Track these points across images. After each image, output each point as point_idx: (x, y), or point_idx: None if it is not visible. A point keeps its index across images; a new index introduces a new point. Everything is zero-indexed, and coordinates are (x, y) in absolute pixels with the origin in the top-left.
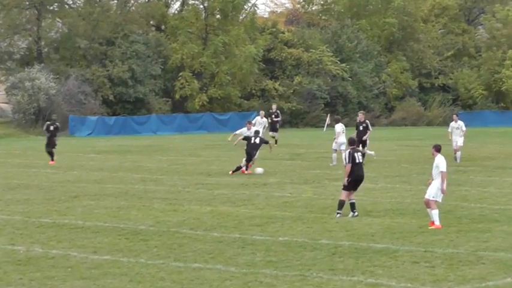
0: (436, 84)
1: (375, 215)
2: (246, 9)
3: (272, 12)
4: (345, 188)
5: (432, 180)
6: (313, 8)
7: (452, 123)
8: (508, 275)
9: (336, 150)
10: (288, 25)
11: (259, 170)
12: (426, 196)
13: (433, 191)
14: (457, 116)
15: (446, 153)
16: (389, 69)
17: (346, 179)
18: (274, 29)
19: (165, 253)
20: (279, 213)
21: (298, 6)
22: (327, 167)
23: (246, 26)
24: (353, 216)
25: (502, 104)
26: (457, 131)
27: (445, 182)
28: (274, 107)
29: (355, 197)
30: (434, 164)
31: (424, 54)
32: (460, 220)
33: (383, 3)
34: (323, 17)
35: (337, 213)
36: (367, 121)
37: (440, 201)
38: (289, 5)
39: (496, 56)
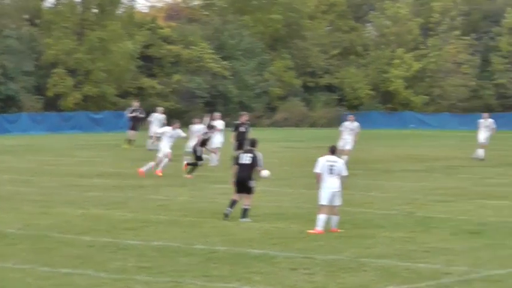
0: (321, 84)
1: (253, 219)
2: (124, 4)
3: (152, 7)
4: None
5: None
6: (195, 3)
7: (347, 123)
8: (390, 283)
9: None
10: (167, 20)
11: (266, 173)
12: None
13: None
14: (353, 116)
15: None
16: (272, 68)
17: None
18: (153, 25)
19: (33, 257)
20: (153, 216)
21: (179, 0)
22: (206, 169)
23: (123, 21)
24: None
25: (390, 105)
26: (351, 132)
27: (319, 183)
28: (136, 104)
29: (248, 202)
30: None
31: (310, 53)
32: (342, 225)
33: None
34: (205, 12)
35: (226, 209)
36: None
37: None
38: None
39: (384, 55)
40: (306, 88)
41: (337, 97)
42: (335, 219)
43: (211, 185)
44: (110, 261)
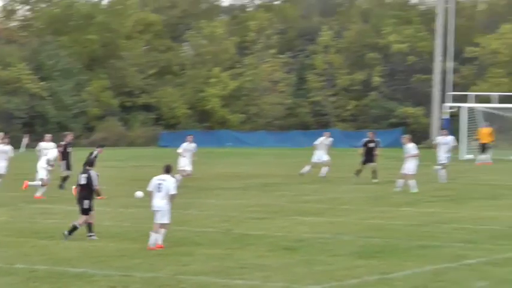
0: (139, 103)
1: (73, 238)
2: None
3: None
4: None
5: None
6: (12, 24)
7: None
8: None
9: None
10: None
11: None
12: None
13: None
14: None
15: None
16: (90, 88)
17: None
18: None
19: None
20: None
21: None
22: (26, 190)
23: None
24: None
25: (207, 124)
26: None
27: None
28: None
29: (82, 221)
30: None
31: (127, 72)
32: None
33: (85, 19)
34: (22, 34)
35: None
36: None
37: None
38: None
39: (200, 74)
40: (124, 108)
41: (154, 116)
42: (160, 236)
43: (30, 205)
44: None
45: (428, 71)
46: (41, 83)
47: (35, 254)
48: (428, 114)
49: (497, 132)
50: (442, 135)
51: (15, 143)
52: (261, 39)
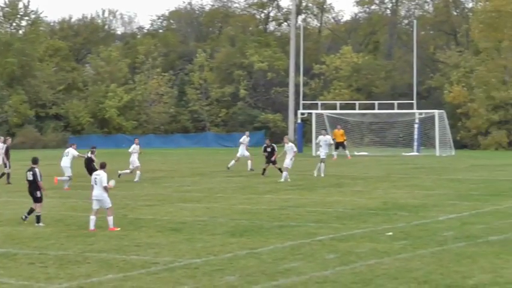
0: (51, 113)
1: (1, 225)
2: None
3: None
4: None
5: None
6: None
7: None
8: (109, 272)
9: None
10: None
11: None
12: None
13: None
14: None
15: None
16: (10, 101)
17: None
18: None
19: None
20: None
21: None
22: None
23: None
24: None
25: (106, 129)
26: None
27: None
28: None
29: (39, 210)
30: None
31: (40, 88)
32: (69, 227)
33: (5, 45)
34: None
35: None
36: None
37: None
38: None
39: (100, 89)
40: (38, 117)
41: (63, 124)
42: (110, 219)
43: None
44: None
45: (284, 84)
46: None
47: None
48: (285, 119)
49: (337, 126)
50: (322, 134)
51: None
52: (148, 60)
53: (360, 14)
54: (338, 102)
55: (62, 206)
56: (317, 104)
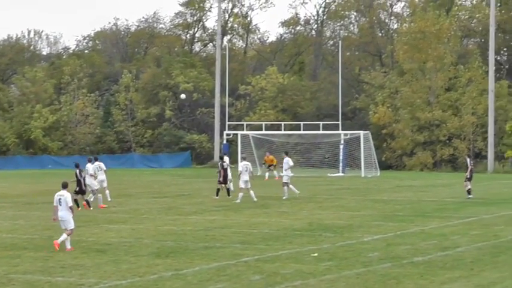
0: None
1: None
2: None
3: None
4: None
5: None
6: None
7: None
8: None
9: None
10: None
11: None
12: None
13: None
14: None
15: None
16: None
17: None
18: None
19: None
20: None
21: None
22: None
23: None
24: None
25: (32, 150)
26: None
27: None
28: None
29: None
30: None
31: None
32: None
33: None
34: None
35: None
36: None
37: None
38: None
39: (26, 110)
40: None
41: None
42: (68, 239)
43: None
44: None
45: (210, 105)
46: None
47: None
48: (211, 140)
49: (267, 153)
50: (284, 157)
51: None
52: (74, 81)
53: (285, 35)
54: (264, 123)
55: None
56: (243, 124)
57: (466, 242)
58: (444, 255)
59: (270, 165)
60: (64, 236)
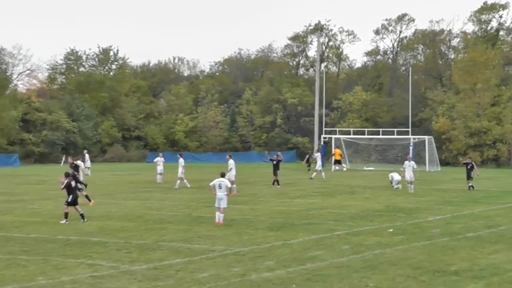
0: (134, 135)
1: (93, 219)
2: (10, 87)
3: (28, 88)
4: (68, 203)
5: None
6: (55, 87)
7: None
8: (177, 257)
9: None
10: (38, 97)
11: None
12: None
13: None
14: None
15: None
16: (103, 126)
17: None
18: (29, 100)
19: None
20: (30, 219)
21: (45, 85)
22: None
23: (10, 98)
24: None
25: (175, 148)
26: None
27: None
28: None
29: (80, 209)
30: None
31: (126, 116)
32: (147, 222)
33: (99, 83)
34: (61, 92)
35: (66, 221)
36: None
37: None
38: (39, 84)
39: (171, 118)
40: (124, 138)
41: (143, 143)
42: (222, 216)
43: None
44: (3, 247)
45: (311, 115)
46: (73, 123)
47: (69, 229)
48: (311, 142)
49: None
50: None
51: (57, 160)
52: (207, 96)
53: (368, 62)
54: (351, 129)
55: (141, 206)
56: (336, 130)
57: (507, 222)
58: (490, 232)
59: (336, 160)
60: (221, 215)
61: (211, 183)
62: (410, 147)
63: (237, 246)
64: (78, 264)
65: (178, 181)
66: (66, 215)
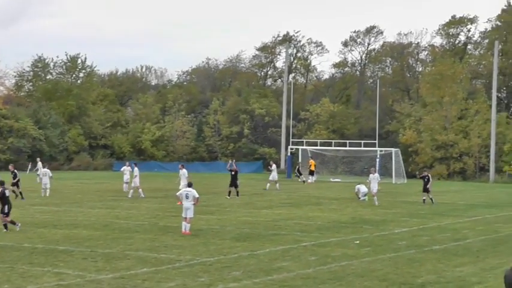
0: (100, 144)
1: (59, 227)
2: None
3: None
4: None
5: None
6: (22, 94)
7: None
8: (144, 267)
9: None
10: (4, 104)
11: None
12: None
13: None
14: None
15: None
16: (70, 134)
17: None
18: None
19: None
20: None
21: (11, 92)
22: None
23: None
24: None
25: (142, 157)
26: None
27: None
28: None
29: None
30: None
31: (93, 125)
32: (113, 231)
33: (66, 91)
34: (28, 100)
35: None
36: None
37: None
38: (5, 91)
39: (138, 127)
40: (91, 146)
41: (109, 152)
42: (188, 226)
43: (33, 206)
44: None
45: (278, 126)
46: (39, 131)
47: (35, 237)
48: (278, 152)
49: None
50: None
51: (23, 168)
52: (175, 105)
53: (336, 74)
54: (318, 141)
55: (108, 214)
56: (303, 141)
57: (473, 235)
58: (456, 245)
59: (311, 171)
60: (187, 225)
61: (178, 193)
62: (377, 159)
63: (203, 256)
64: (44, 273)
65: (132, 190)
66: (5, 226)
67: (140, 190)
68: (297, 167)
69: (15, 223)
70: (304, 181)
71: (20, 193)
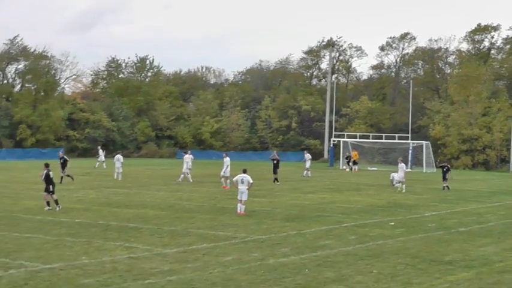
0: (166, 135)
1: (130, 207)
2: (58, 90)
3: (73, 92)
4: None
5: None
6: (97, 90)
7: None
8: (204, 242)
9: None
10: (82, 99)
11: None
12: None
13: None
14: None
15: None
16: (139, 126)
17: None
18: (74, 101)
19: (6, 228)
20: (75, 206)
21: (88, 89)
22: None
23: (58, 99)
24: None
25: (202, 146)
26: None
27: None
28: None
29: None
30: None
31: (159, 118)
32: (177, 211)
33: (136, 88)
34: (102, 95)
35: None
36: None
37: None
38: (83, 88)
39: (199, 120)
40: (157, 137)
41: (173, 142)
42: (243, 207)
43: (107, 189)
44: (51, 230)
45: (322, 120)
46: (112, 123)
47: (108, 215)
48: (322, 144)
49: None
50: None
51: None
52: (231, 102)
53: (373, 75)
54: (357, 134)
55: (172, 197)
56: (344, 134)
57: (495, 219)
58: (480, 227)
59: (355, 161)
60: (240, 205)
61: (234, 179)
62: (410, 151)
63: (256, 234)
64: (117, 247)
65: (182, 175)
66: (48, 203)
67: (189, 176)
68: (347, 156)
69: (58, 204)
70: (351, 169)
71: (61, 178)
